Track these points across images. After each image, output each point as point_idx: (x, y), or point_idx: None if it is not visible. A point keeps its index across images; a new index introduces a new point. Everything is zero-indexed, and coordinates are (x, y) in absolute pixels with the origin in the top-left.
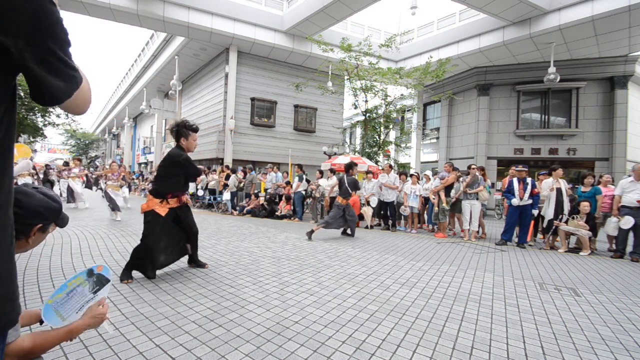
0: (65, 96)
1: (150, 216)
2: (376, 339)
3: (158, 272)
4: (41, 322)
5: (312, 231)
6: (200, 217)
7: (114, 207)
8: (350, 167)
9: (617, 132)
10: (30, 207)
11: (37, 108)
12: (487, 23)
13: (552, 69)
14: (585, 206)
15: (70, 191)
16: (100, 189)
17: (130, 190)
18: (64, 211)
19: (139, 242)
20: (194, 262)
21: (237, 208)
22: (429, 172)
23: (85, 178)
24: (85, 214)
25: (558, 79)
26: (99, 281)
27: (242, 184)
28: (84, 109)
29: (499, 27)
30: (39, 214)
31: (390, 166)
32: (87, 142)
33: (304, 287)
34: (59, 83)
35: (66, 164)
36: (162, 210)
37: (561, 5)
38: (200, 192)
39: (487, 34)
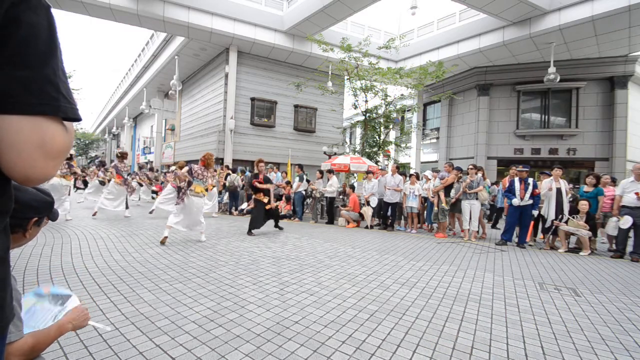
0: None
1: None
2: (376, 339)
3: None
4: None
5: None
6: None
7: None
8: None
9: (617, 132)
10: (24, 201)
11: None
12: (487, 23)
13: (552, 69)
14: (583, 205)
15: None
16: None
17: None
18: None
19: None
20: None
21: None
22: (428, 173)
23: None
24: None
25: (558, 79)
26: (58, 298)
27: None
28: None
29: (499, 27)
30: (33, 207)
31: (398, 167)
32: (87, 142)
33: (304, 287)
34: None
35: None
36: None
37: (561, 5)
38: None
39: (487, 34)
